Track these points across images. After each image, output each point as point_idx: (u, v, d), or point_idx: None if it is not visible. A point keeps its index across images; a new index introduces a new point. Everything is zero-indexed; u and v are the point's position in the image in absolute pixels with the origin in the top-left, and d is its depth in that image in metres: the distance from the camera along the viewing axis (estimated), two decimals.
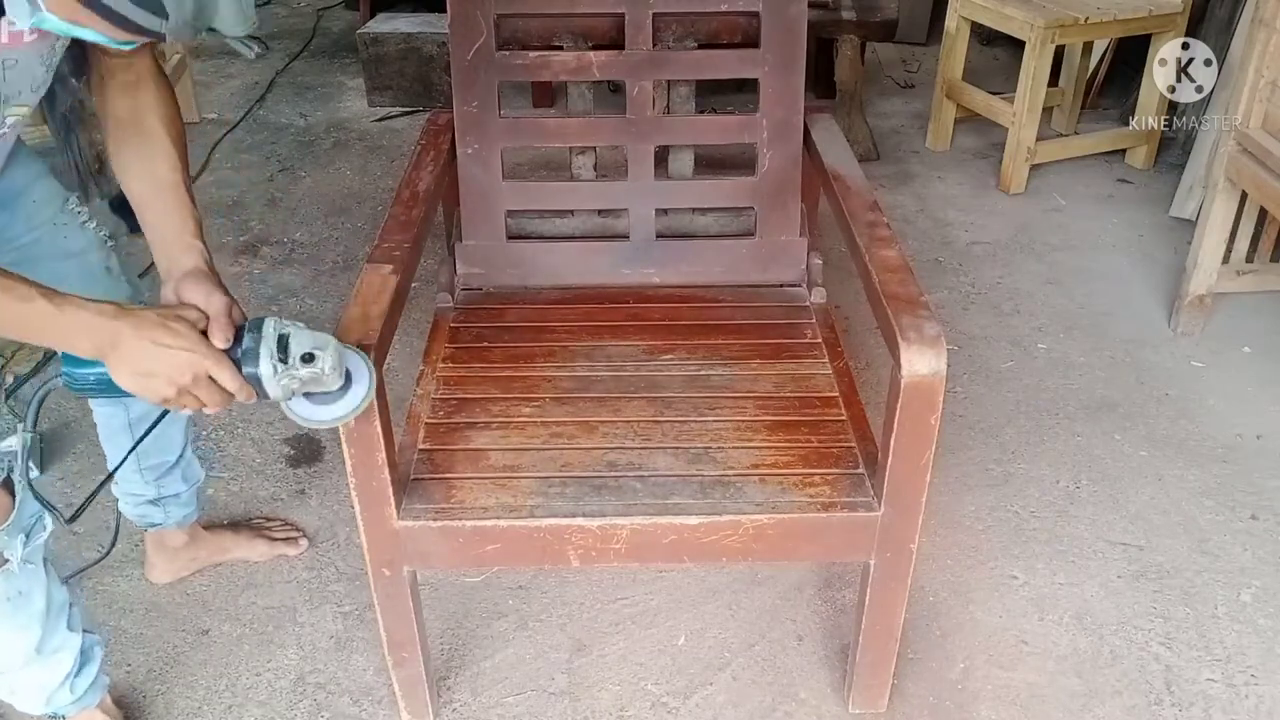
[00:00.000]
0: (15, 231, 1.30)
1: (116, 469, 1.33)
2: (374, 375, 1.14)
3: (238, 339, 1.06)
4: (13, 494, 1.20)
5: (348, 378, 1.12)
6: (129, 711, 1.54)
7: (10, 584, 1.23)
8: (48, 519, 1.26)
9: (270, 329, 1.05)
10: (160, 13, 0.87)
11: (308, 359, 1.05)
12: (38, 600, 1.28)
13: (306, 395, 1.10)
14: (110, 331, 1.00)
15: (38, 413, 1.09)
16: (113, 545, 1.70)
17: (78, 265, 1.36)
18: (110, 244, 1.44)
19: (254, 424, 2.15)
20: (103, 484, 1.20)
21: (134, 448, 1.34)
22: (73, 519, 1.14)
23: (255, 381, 1.05)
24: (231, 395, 1.05)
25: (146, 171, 1.17)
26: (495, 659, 1.64)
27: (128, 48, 1.03)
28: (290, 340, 1.06)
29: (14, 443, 1.12)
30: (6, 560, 1.21)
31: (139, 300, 1.44)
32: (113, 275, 1.43)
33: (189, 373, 1.02)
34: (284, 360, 1.05)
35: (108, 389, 1.04)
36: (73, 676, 1.38)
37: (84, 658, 1.39)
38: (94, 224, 1.41)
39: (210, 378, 1.03)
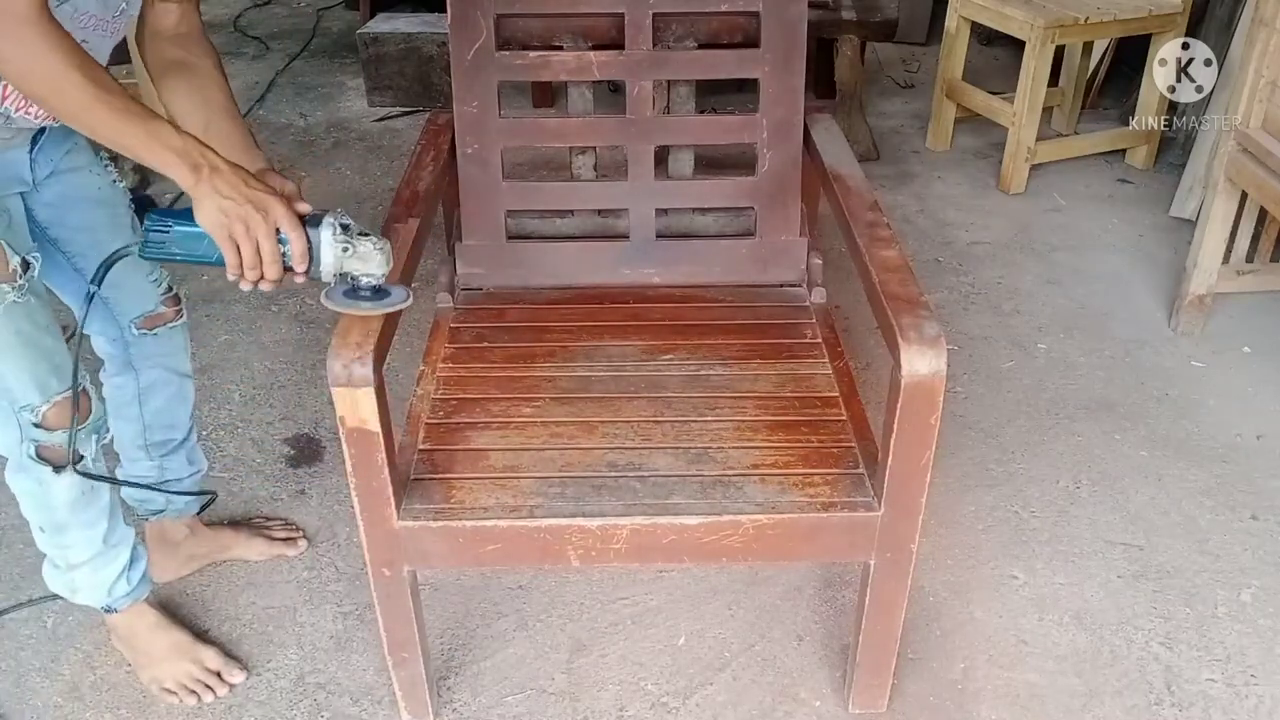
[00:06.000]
0: (57, 160, 1.38)
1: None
2: (411, 295, 1.25)
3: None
4: (90, 399, 1.37)
5: (385, 291, 1.22)
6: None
7: (85, 480, 1.39)
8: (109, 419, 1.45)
9: (333, 214, 1.19)
10: None
11: (364, 234, 1.18)
12: (104, 494, 1.46)
13: (347, 294, 1.20)
14: (211, 160, 1.13)
15: (105, 273, 1.25)
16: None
17: (108, 215, 1.45)
18: (131, 205, 1.52)
19: (254, 424, 2.15)
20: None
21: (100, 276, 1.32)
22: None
23: (316, 242, 1.16)
24: (283, 270, 1.16)
25: (202, 101, 1.30)
26: (495, 659, 1.64)
27: None
28: (350, 223, 1.19)
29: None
30: (83, 457, 1.37)
31: None
32: (136, 233, 1.48)
33: (264, 209, 1.13)
34: (344, 230, 1.17)
35: (182, 242, 1.16)
36: (128, 568, 1.53)
37: (134, 553, 1.54)
38: (123, 182, 1.50)
39: (277, 230, 1.14)
